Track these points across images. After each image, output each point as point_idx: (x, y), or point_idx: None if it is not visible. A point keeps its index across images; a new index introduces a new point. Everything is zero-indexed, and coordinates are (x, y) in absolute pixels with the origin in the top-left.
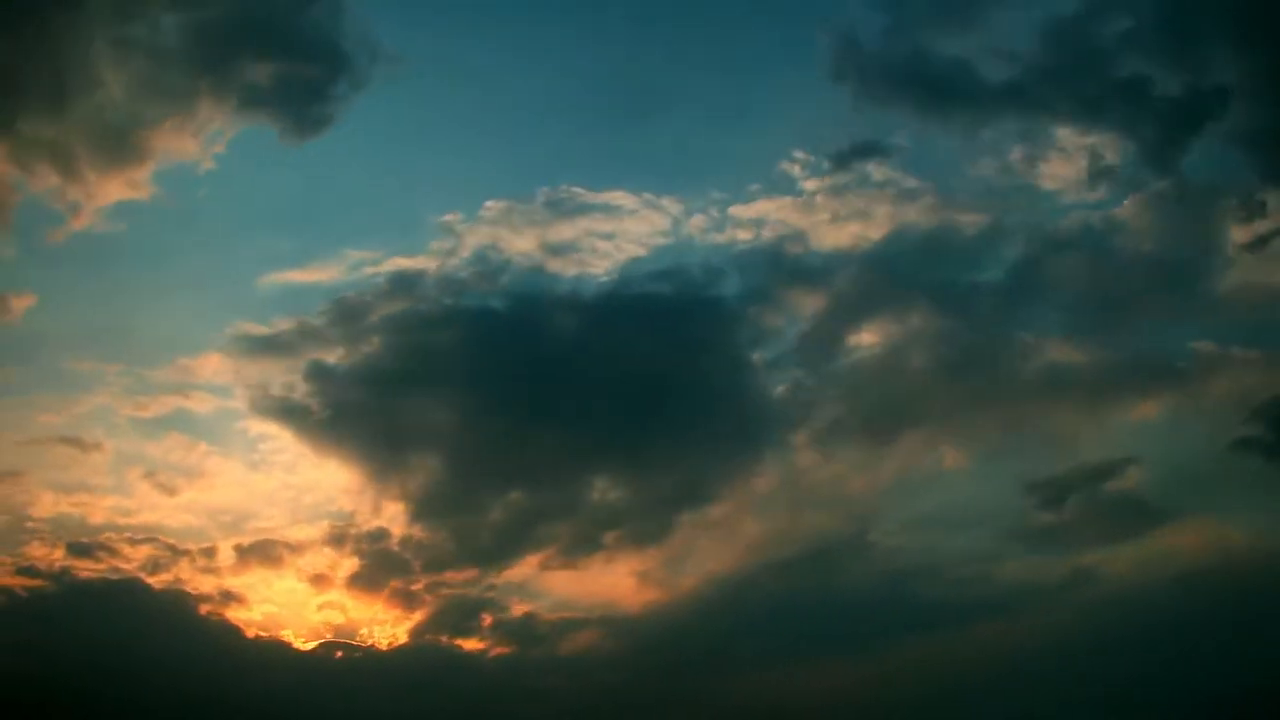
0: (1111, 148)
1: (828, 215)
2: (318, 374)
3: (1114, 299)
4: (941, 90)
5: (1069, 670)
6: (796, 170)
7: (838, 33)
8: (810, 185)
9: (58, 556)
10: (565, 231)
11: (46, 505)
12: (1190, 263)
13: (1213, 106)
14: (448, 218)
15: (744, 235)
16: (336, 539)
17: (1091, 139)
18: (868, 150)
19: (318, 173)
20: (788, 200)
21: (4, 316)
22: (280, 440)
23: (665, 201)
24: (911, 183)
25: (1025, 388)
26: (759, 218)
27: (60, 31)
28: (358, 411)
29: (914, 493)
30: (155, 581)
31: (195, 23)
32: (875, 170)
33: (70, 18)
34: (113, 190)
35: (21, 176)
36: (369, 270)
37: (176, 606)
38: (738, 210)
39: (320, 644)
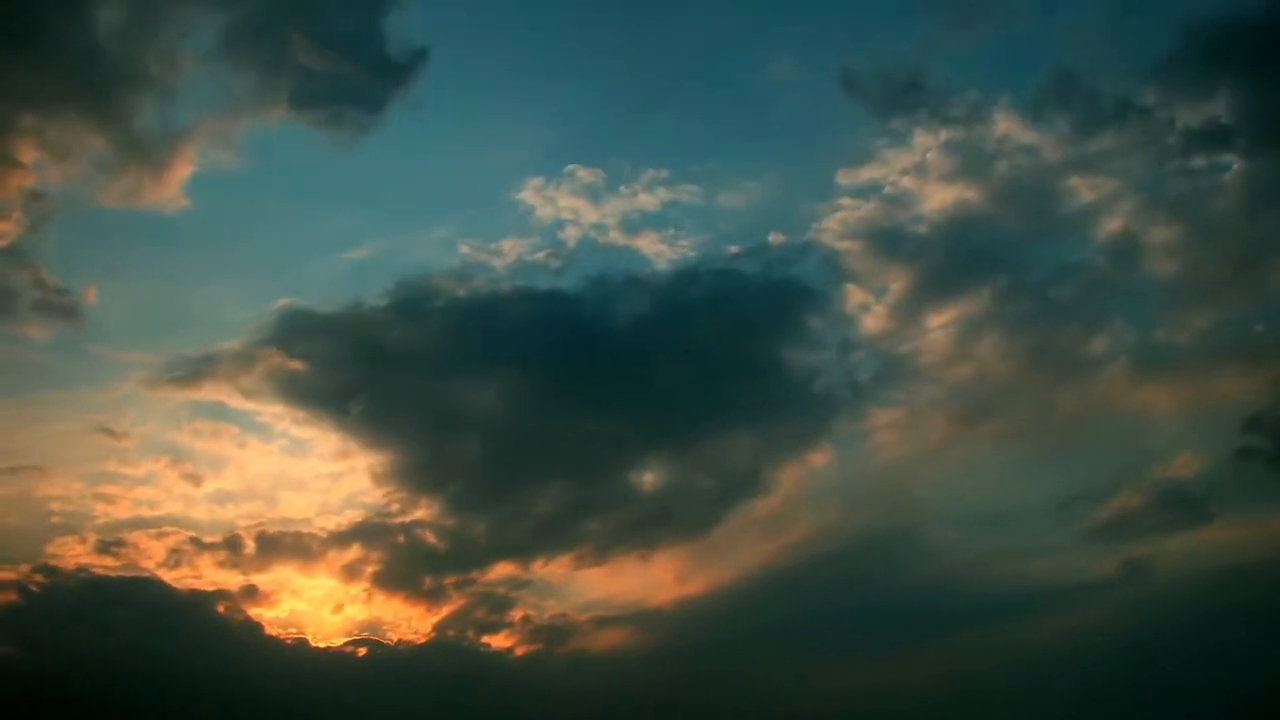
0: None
1: (936, 175)
2: (363, 357)
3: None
4: None
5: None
6: (916, 131)
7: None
8: (922, 140)
9: (78, 553)
10: (649, 203)
11: (73, 498)
12: None
13: None
14: (529, 184)
15: (848, 202)
16: (367, 532)
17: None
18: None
19: (384, 153)
20: (897, 160)
21: (68, 317)
22: (316, 428)
23: (764, 172)
24: (1031, 137)
25: (1109, 373)
26: (867, 184)
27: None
28: (399, 397)
29: (974, 486)
30: (177, 577)
31: (253, 19)
32: (1001, 122)
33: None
34: (170, 180)
35: (76, 174)
36: (437, 250)
37: (196, 603)
38: (845, 176)
39: (346, 640)
